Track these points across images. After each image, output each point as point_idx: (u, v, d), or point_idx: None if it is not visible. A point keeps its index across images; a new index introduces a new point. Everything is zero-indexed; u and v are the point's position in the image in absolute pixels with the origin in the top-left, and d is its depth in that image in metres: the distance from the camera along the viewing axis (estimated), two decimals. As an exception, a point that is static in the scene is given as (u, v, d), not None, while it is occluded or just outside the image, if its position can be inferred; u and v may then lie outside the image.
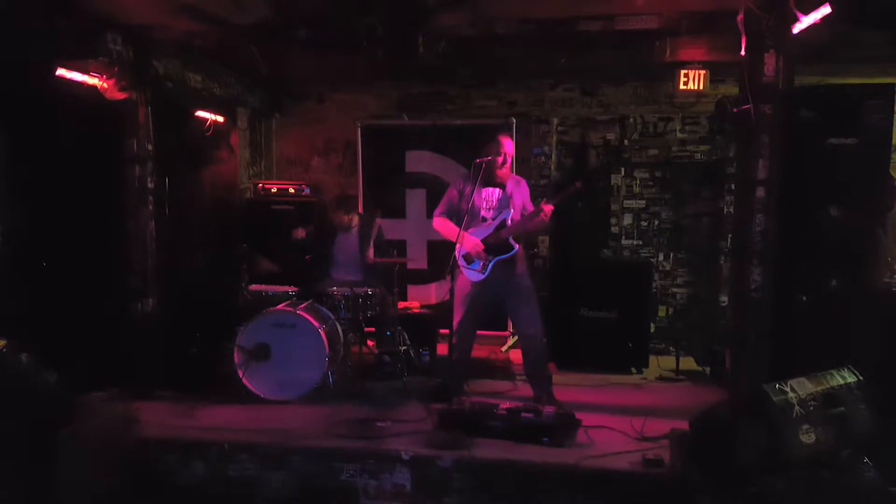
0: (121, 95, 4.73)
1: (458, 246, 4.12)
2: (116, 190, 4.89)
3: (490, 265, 4.13)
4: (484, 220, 4.23)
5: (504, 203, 4.23)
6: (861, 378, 3.16)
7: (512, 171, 4.39)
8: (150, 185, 5.01)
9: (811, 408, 2.98)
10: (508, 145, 4.26)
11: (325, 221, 5.30)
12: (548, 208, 4.00)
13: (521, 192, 4.29)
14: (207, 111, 5.89)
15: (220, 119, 6.06)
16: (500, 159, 4.18)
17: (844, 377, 3.15)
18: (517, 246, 4.15)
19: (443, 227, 4.30)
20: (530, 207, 4.26)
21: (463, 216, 4.11)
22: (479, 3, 4.03)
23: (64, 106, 4.37)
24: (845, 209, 3.76)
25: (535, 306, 4.21)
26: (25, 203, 4.22)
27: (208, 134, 5.97)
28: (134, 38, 4.69)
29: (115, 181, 4.89)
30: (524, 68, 5.82)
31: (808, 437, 2.94)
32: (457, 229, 4.12)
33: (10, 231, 4.17)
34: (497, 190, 4.26)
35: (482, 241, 4.15)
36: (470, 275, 4.21)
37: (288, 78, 6.31)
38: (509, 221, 4.15)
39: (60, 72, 4.34)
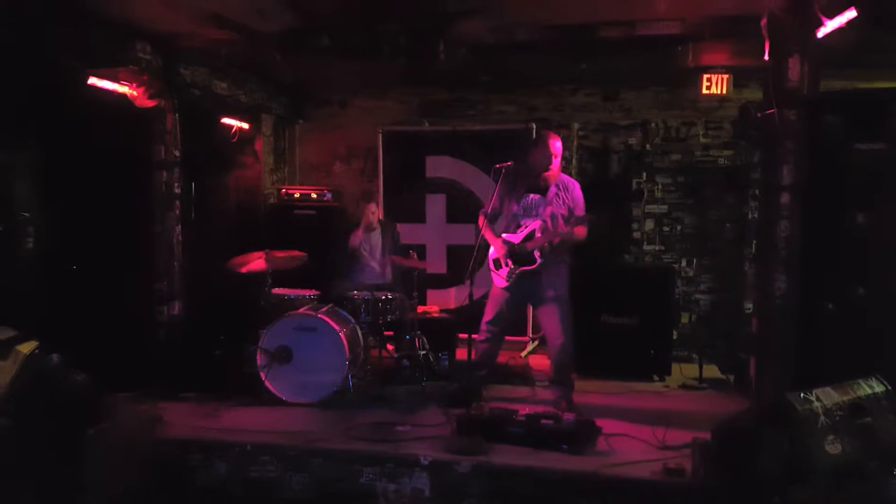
0: (150, 103, 4.84)
1: (490, 249, 4.16)
2: (144, 195, 4.99)
3: (515, 275, 4.09)
4: (520, 226, 4.15)
5: (538, 211, 4.10)
6: (889, 388, 3.10)
7: (559, 173, 4.17)
8: (177, 191, 5.11)
9: (837, 418, 2.93)
10: (556, 146, 4.05)
11: (348, 226, 5.37)
12: (563, 229, 4.01)
13: (564, 198, 4.10)
14: (233, 118, 5.99)
15: (246, 126, 6.16)
16: (555, 162, 4.01)
17: (872, 387, 3.09)
18: (540, 259, 4.03)
19: (483, 227, 4.23)
20: (579, 213, 4.10)
21: (505, 220, 4.13)
22: (500, 10, 4.04)
23: (94, 112, 4.47)
24: (872, 215, 3.69)
25: (563, 315, 4.11)
26: (57, 207, 4.33)
27: (234, 140, 6.08)
28: (162, 46, 4.79)
29: (142, 186, 4.99)
30: (544, 74, 5.82)
31: (833, 447, 2.88)
32: (490, 232, 4.16)
33: (42, 234, 4.27)
34: (538, 197, 4.12)
35: (510, 248, 4.10)
36: (497, 280, 4.20)
37: (311, 85, 6.40)
38: (538, 233, 4.06)
39: (92, 80, 4.45)
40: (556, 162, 4.08)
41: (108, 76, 4.59)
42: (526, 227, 4.11)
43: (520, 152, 4.27)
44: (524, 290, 4.15)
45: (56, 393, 3.29)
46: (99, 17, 4.24)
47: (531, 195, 4.14)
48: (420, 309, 5.29)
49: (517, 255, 4.08)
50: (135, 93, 4.78)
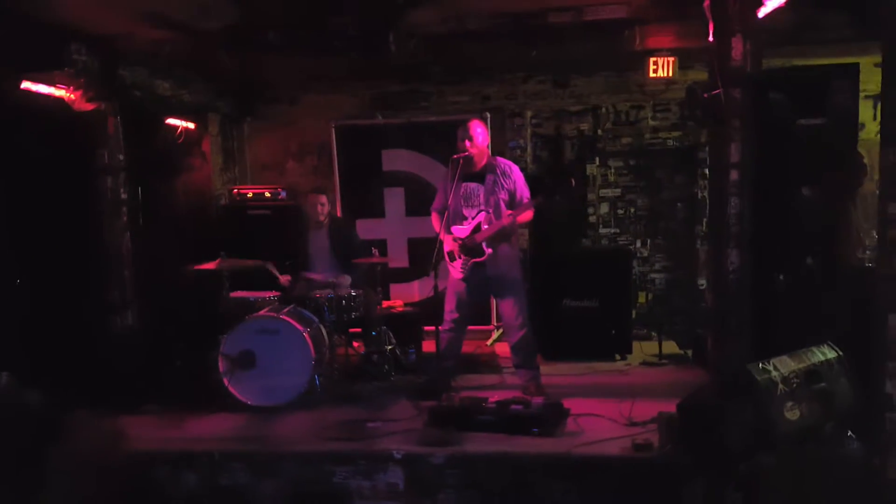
0: (88, 106, 4.66)
1: (443, 243, 4.18)
2: (89, 202, 4.82)
3: (468, 267, 4.15)
4: (465, 218, 4.21)
5: (478, 200, 4.17)
6: (841, 353, 3.23)
7: (492, 158, 4.25)
8: (123, 196, 4.95)
9: (794, 385, 3.04)
10: (474, 127, 4.12)
11: (300, 223, 5.27)
12: (507, 217, 4.05)
13: (507, 183, 4.14)
14: (178, 118, 5.81)
15: (191, 126, 5.98)
16: (467, 143, 4.09)
17: (825, 353, 3.22)
18: (489, 251, 4.11)
19: (435, 223, 4.35)
20: (524, 194, 4.15)
21: (450, 211, 4.15)
22: (450, -1, 4.03)
23: (31, 119, 4.29)
24: (817, 188, 3.82)
25: (519, 299, 4.21)
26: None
27: (180, 141, 5.90)
28: (99, 48, 4.60)
29: (87, 193, 4.81)
30: (496, 62, 5.82)
31: (792, 413, 3.00)
32: (440, 226, 4.18)
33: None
34: (475, 185, 4.19)
35: (461, 241, 4.16)
36: (453, 272, 4.25)
37: (259, 82, 6.23)
38: (484, 225, 4.11)
39: (25, 85, 4.26)
40: (476, 142, 4.10)
41: (43, 80, 4.40)
42: (471, 219, 4.17)
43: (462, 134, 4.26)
44: (480, 280, 4.20)
45: (10, 415, 3.16)
46: (29, 19, 4.04)
47: (469, 184, 4.19)
48: (384, 304, 5.25)
49: (467, 248, 4.13)
50: (72, 96, 4.59)
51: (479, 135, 4.15)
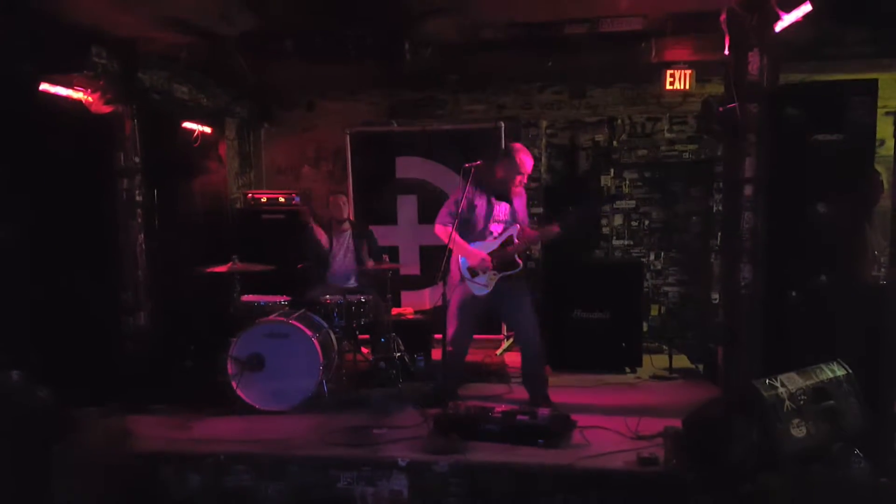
0: (106, 109, 4.72)
1: (460, 257, 4.16)
2: (105, 203, 4.87)
3: (495, 281, 4.12)
4: (490, 233, 4.19)
5: (512, 218, 4.21)
6: (850, 371, 3.19)
7: None
8: (139, 198, 4.99)
9: (801, 402, 3.01)
10: (529, 164, 4.12)
11: (316, 227, 5.31)
12: (536, 231, 4.18)
13: (522, 204, 4.28)
14: (195, 122, 5.89)
15: (208, 130, 6.05)
16: (519, 178, 4.11)
17: (834, 371, 3.19)
18: (521, 262, 4.14)
19: (441, 233, 4.24)
20: (526, 217, 4.30)
21: (472, 226, 4.15)
22: (465, 9, 4.05)
23: (49, 120, 4.34)
24: (832, 205, 3.78)
25: (531, 310, 4.21)
26: (13, 217, 4.20)
27: (196, 145, 5.96)
28: (119, 51, 4.67)
29: (103, 195, 4.86)
30: (512, 72, 5.85)
31: (799, 431, 2.96)
32: (462, 241, 4.13)
33: (-1, 245, 4.14)
34: (505, 204, 4.22)
35: (491, 256, 4.12)
36: (474, 288, 4.17)
37: (276, 87, 6.31)
38: (516, 239, 4.13)
39: (44, 86, 4.32)
40: (523, 179, 4.16)
41: (62, 82, 4.47)
42: (500, 233, 4.16)
43: (487, 150, 4.30)
44: (503, 294, 4.17)
45: (19, 410, 3.20)
46: (52, 22, 4.11)
47: (499, 202, 4.20)
48: (394, 311, 5.27)
49: (499, 261, 4.10)
50: (90, 99, 4.66)
51: (530, 167, 4.17)
